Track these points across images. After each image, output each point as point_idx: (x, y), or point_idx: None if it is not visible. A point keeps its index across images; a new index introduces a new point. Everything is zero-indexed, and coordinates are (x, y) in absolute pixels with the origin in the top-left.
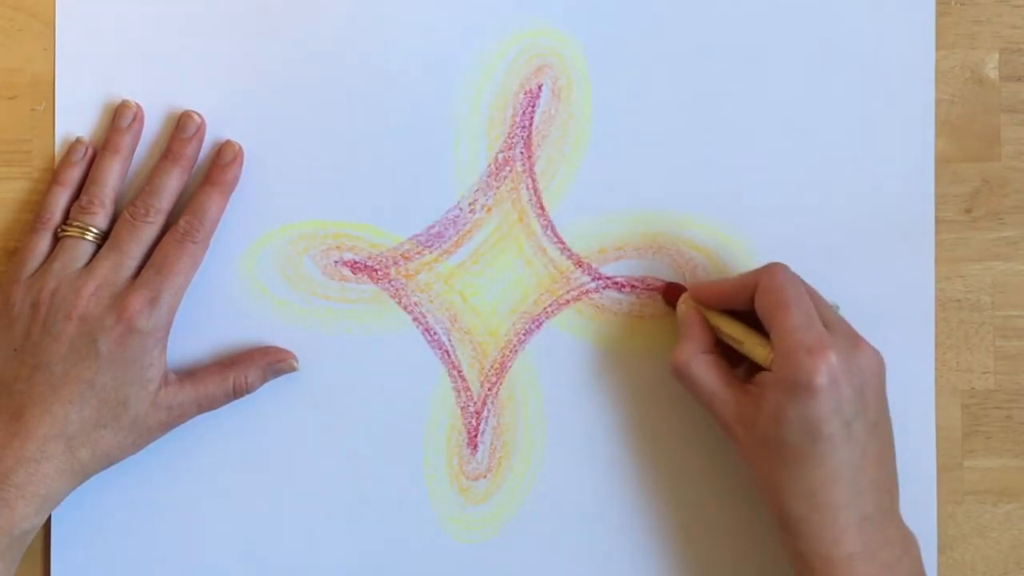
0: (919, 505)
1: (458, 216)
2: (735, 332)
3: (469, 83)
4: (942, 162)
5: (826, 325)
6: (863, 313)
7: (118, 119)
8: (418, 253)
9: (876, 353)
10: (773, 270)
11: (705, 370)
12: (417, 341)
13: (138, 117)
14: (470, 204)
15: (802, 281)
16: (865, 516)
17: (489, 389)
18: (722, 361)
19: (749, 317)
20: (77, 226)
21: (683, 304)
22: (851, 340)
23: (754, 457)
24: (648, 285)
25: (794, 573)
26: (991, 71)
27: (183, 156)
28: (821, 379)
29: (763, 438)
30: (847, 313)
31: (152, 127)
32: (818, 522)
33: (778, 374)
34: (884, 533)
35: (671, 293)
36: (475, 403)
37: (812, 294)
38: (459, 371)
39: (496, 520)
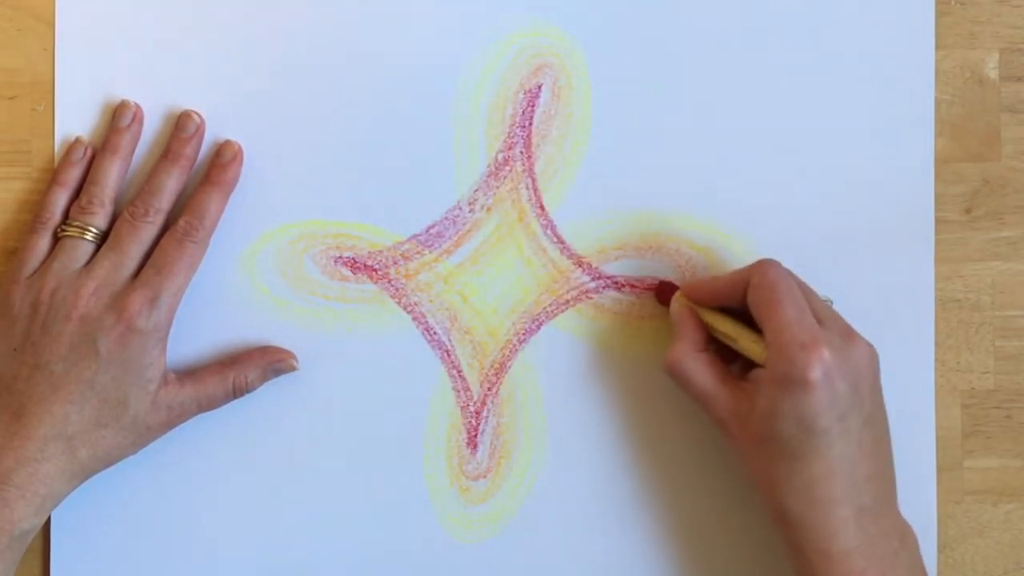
0: (919, 505)
1: (458, 216)
2: (729, 329)
3: (469, 82)
4: (942, 162)
5: (819, 320)
6: (863, 313)
7: (117, 119)
8: (418, 253)
9: (869, 346)
10: (765, 266)
11: (699, 368)
12: (417, 341)
13: (137, 117)
14: (470, 204)
15: (794, 276)
16: (862, 509)
17: (489, 389)
18: (716, 359)
19: (742, 314)
20: (77, 226)
21: (676, 303)
22: (844, 334)
23: (750, 454)
24: (648, 285)
25: (792, 569)
26: (991, 71)
27: (182, 156)
28: (815, 374)
29: (758, 434)
30: (846, 311)
31: (152, 127)
32: (814, 517)
33: (772, 370)
34: (881, 526)
35: (664, 292)
36: (475, 403)
37: (805, 289)
38: (459, 371)
39: (496, 520)
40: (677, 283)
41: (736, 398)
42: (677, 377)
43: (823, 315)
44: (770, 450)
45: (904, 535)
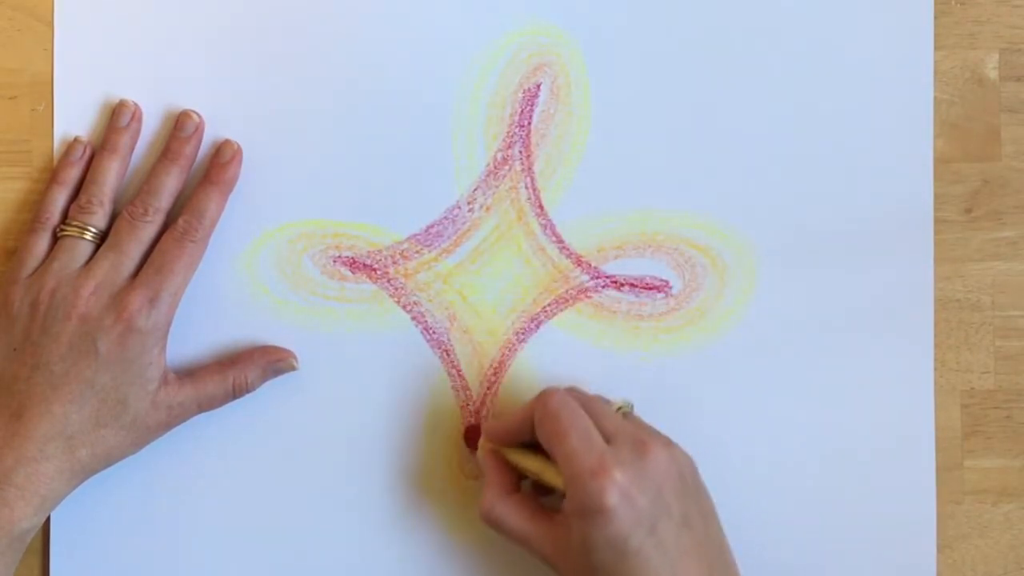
0: (919, 505)
1: (457, 215)
2: (532, 465)
3: (468, 82)
4: (942, 162)
5: (608, 438)
6: (863, 313)
7: (116, 118)
8: (417, 252)
9: (667, 448)
10: (545, 399)
11: (511, 512)
12: (416, 340)
13: (136, 116)
14: (469, 203)
15: (579, 398)
16: None
17: (488, 388)
18: (528, 498)
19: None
20: (76, 226)
21: (480, 448)
22: (636, 446)
23: None
24: (647, 284)
25: None
26: (991, 71)
27: (182, 155)
28: (611, 499)
29: (580, 565)
30: (846, 311)
31: (151, 126)
32: None
33: (572, 502)
34: None
35: (471, 437)
36: (474, 402)
37: (593, 407)
38: (458, 370)
39: None
40: (480, 427)
41: (554, 534)
42: (492, 524)
43: (613, 432)
44: None
45: None
